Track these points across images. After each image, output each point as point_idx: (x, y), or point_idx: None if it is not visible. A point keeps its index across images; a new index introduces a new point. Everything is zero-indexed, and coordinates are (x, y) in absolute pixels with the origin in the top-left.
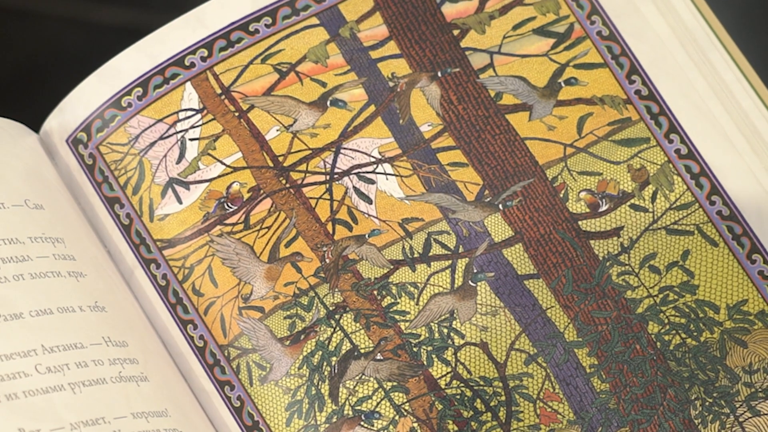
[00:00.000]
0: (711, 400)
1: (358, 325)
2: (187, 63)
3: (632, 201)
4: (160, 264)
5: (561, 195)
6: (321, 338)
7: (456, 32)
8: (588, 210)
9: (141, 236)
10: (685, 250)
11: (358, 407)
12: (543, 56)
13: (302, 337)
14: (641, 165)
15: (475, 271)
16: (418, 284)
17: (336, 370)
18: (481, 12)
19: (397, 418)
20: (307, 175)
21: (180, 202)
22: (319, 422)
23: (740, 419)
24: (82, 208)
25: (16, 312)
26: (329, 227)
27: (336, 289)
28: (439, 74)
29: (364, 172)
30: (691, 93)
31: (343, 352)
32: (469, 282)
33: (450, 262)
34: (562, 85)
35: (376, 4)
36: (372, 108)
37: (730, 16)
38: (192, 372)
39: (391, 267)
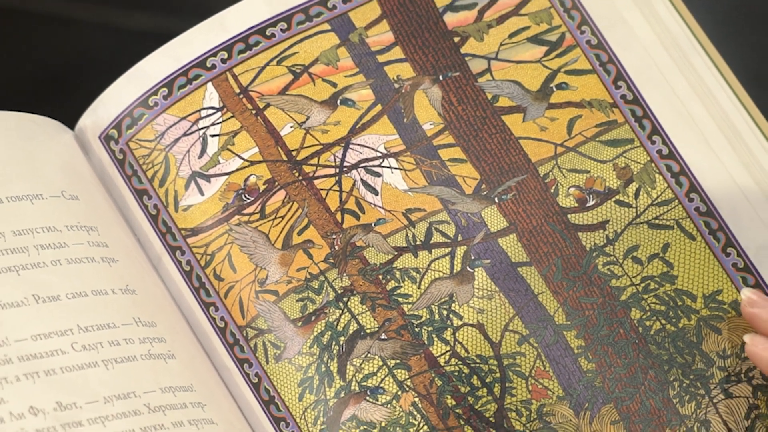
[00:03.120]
0: (688, 382)
1: (364, 307)
2: (208, 65)
3: (617, 197)
4: (184, 251)
5: (552, 190)
6: (330, 319)
7: (456, 39)
8: (576, 204)
9: (167, 225)
10: (665, 243)
11: (364, 383)
12: (536, 62)
13: (313, 318)
14: (626, 164)
15: (472, 258)
16: (420, 269)
17: (344, 349)
18: (480, 21)
19: (399, 393)
20: (319, 168)
21: (202, 193)
22: (328, 397)
23: (714, 400)
24: (113, 199)
25: (54, 294)
26: (338, 216)
27: (344, 274)
28: (441, 77)
29: (370, 166)
30: (672, 98)
31: (351, 332)
32: (467, 268)
33: (449, 249)
34: (554, 89)
35: (384, 12)
36: (378, 107)
37: (710, 22)
38: (214, 350)
39: (395, 253)
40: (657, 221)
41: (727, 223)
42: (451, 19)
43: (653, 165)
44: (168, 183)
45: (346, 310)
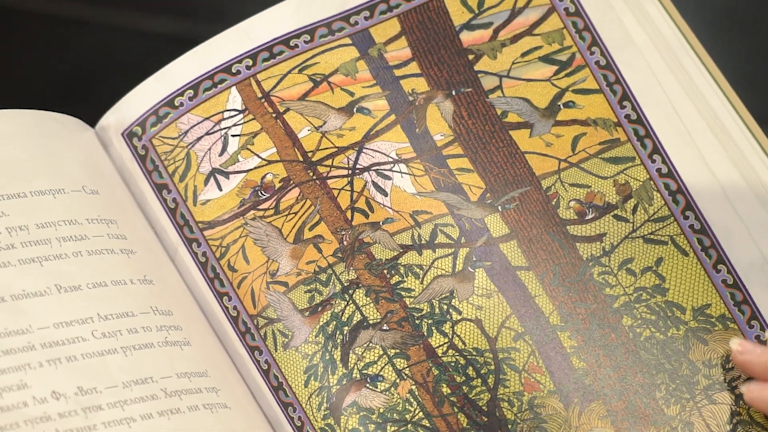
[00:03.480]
0: (674, 386)
1: (368, 299)
2: (233, 70)
3: (615, 212)
4: (200, 243)
5: (553, 203)
6: (336, 310)
7: (471, 57)
8: (576, 217)
9: (185, 218)
10: (659, 257)
11: (365, 371)
12: (546, 81)
13: (319, 309)
14: (626, 180)
15: (474, 259)
16: (423, 266)
17: (347, 338)
18: (494, 40)
19: (398, 381)
20: (332, 169)
21: (220, 189)
22: (331, 384)
23: (698, 405)
24: (132, 194)
25: (75, 284)
26: (348, 214)
27: (351, 268)
28: (454, 93)
29: (382, 169)
30: (674, 119)
31: (354, 322)
32: (469, 268)
33: (453, 250)
34: (561, 107)
35: (403, 29)
36: (393, 117)
37: (703, 29)
38: (228, 338)
39: (401, 250)
40: (652, 236)
41: (719, 241)
42: (466, 38)
43: (652, 183)
44: (188, 178)
45: (351, 301)
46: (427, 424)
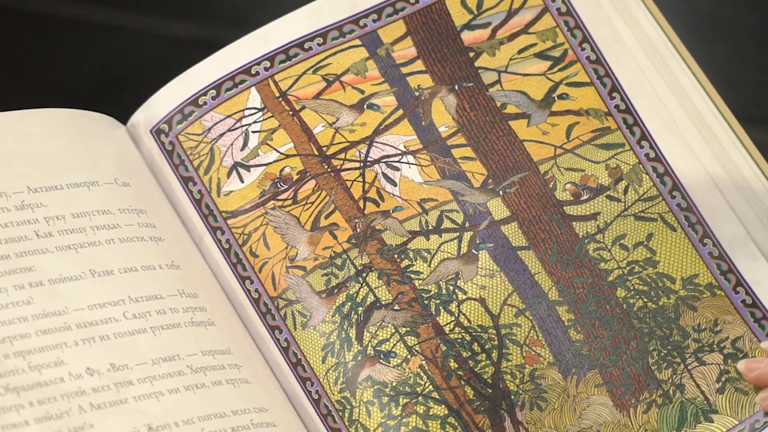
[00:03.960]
0: (666, 352)
1: (380, 281)
2: (253, 72)
3: (608, 192)
4: (224, 231)
5: (550, 186)
6: (350, 292)
7: (471, 54)
8: (572, 198)
9: (209, 208)
10: (649, 233)
11: (378, 348)
12: (541, 75)
13: (335, 291)
14: (617, 164)
15: (477, 242)
16: (431, 250)
17: (361, 318)
18: (493, 38)
19: (409, 356)
20: (345, 162)
21: (242, 181)
22: (347, 360)
23: (689, 367)
24: (161, 186)
25: (108, 269)
26: (361, 204)
27: (364, 253)
28: (456, 87)
29: (391, 161)
30: (660, 110)
31: (368, 303)
32: (473, 250)
33: (458, 234)
34: (556, 99)
35: (408, 30)
36: (400, 112)
37: (686, 33)
38: (249, 318)
39: (410, 236)
40: (642, 214)
41: (704, 217)
42: (467, 37)
43: (641, 166)
44: (212, 171)
45: (364, 284)
46: (437, 396)
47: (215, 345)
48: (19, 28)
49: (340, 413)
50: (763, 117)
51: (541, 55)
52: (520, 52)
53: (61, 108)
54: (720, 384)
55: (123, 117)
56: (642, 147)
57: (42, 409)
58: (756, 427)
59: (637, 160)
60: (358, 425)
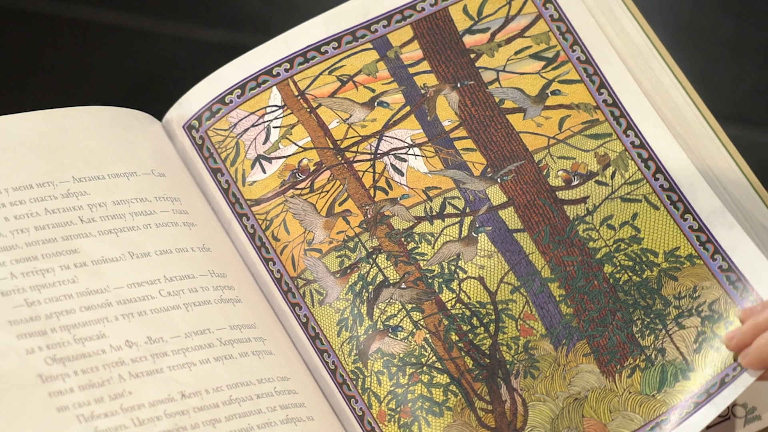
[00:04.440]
0: (648, 320)
1: (389, 262)
2: (274, 73)
3: (597, 178)
4: (249, 217)
5: (544, 173)
6: (362, 272)
7: (472, 55)
8: (563, 184)
9: (236, 197)
10: (634, 212)
11: (387, 323)
12: (536, 74)
13: (348, 271)
14: (605, 152)
15: (477, 225)
16: (435, 234)
17: (372, 296)
18: (492, 41)
19: (414, 330)
20: (357, 154)
21: (264, 172)
22: (359, 334)
23: (670, 332)
24: (192, 176)
25: (145, 251)
26: (371, 192)
27: (374, 237)
28: (459, 85)
29: (399, 153)
30: (643, 102)
31: (377, 282)
32: (472, 233)
33: (459, 218)
34: (549, 94)
35: (415, 34)
36: (407, 108)
37: (668, 38)
38: (272, 296)
39: (415, 221)
40: (628, 196)
41: (685, 195)
42: (468, 40)
43: (627, 153)
44: (237, 163)
45: (374, 264)
46: (439, 366)
47: (242, 320)
48: (66, 34)
49: (354, 382)
50: (737, 114)
51: (536, 56)
52: (516, 53)
53: (103, 106)
54: (697, 345)
55: (159, 114)
56: (628, 136)
57: (85, 378)
58: (726, 381)
59: (623, 148)
60: (370, 393)
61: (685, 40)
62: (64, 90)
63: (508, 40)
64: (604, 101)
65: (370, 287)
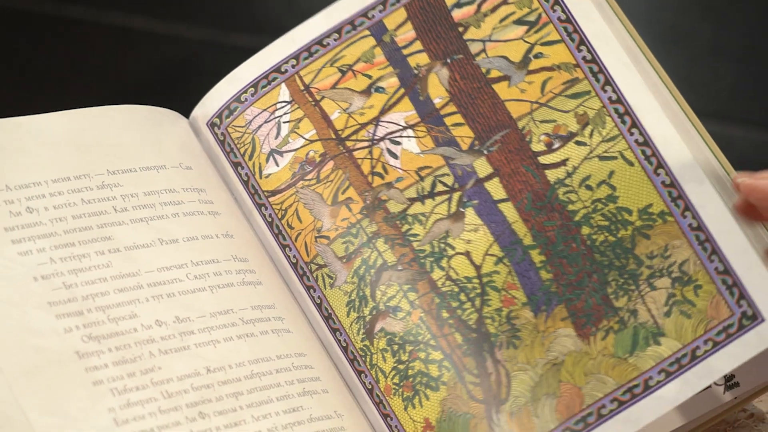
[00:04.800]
0: (622, 281)
1: (386, 246)
2: (282, 69)
3: (576, 138)
4: (267, 207)
5: (527, 139)
6: (364, 257)
7: (461, 29)
8: (545, 148)
9: (255, 188)
10: (611, 170)
11: (388, 304)
12: (519, 39)
13: (353, 256)
14: (584, 111)
15: (465, 200)
16: (426, 214)
17: (374, 279)
18: (479, 12)
19: (411, 310)
20: (357, 142)
21: (277, 165)
22: (365, 314)
23: (642, 293)
24: (216, 169)
25: (174, 238)
26: (370, 178)
27: (373, 222)
28: (448, 60)
29: (394, 137)
30: (621, 56)
31: (378, 265)
32: (460, 209)
33: (448, 195)
34: (532, 59)
35: (408, 15)
36: (402, 91)
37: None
38: (290, 279)
39: (408, 203)
40: (605, 154)
41: (658, 149)
42: (456, 14)
43: (604, 109)
44: (254, 157)
45: (374, 249)
46: (433, 344)
47: (263, 301)
48: (102, 38)
49: (363, 359)
50: (716, 111)
51: (519, 21)
52: (501, 21)
53: (135, 105)
54: (667, 307)
55: (186, 111)
56: (605, 91)
57: (118, 354)
58: (697, 355)
59: (601, 104)
60: (377, 369)
61: (668, 42)
62: (100, 90)
63: (494, 9)
64: (584, 58)
65: (372, 270)
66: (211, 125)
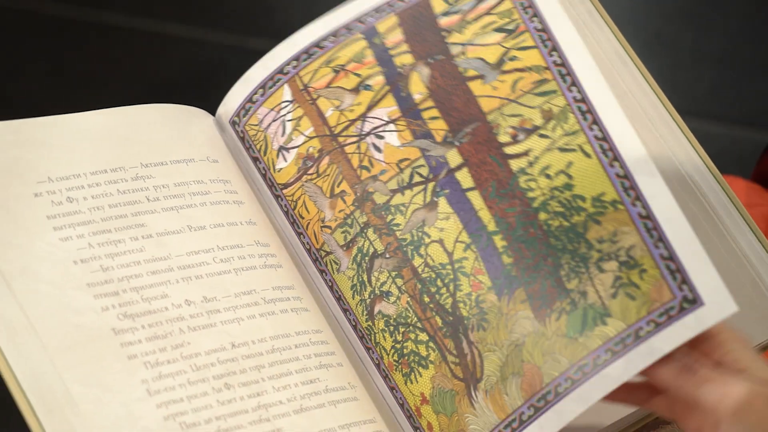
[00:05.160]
0: (574, 263)
1: (375, 235)
2: (285, 71)
3: (540, 131)
4: (282, 198)
5: (495, 131)
6: (359, 245)
7: (444, 34)
8: (511, 140)
9: (271, 181)
10: (569, 161)
11: (381, 289)
12: (497, 44)
13: (351, 245)
14: (549, 107)
15: (437, 189)
16: (406, 204)
17: (369, 265)
18: (463, 21)
19: (399, 295)
20: (347, 138)
21: (286, 161)
22: (366, 298)
23: (591, 276)
24: (239, 162)
25: (201, 225)
26: (359, 172)
27: (363, 213)
28: (430, 60)
29: (378, 132)
30: (588, 62)
31: (371, 253)
32: (434, 198)
33: (423, 186)
34: (506, 60)
35: (399, 21)
36: (387, 88)
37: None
38: (306, 263)
39: (391, 194)
40: (566, 146)
41: (615, 143)
42: (443, 21)
43: (569, 107)
44: (268, 153)
45: (366, 238)
46: (420, 326)
47: (282, 282)
48: (136, 43)
49: (368, 337)
50: (696, 110)
51: (499, 29)
52: (483, 28)
53: (166, 103)
54: (614, 290)
55: (212, 110)
56: (571, 91)
57: (151, 331)
58: (640, 335)
59: (566, 102)
60: (380, 347)
61: (653, 48)
62: (134, 90)
63: (477, 18)
64: (554, 62)
65: (366, 258)
66: (232, 123)
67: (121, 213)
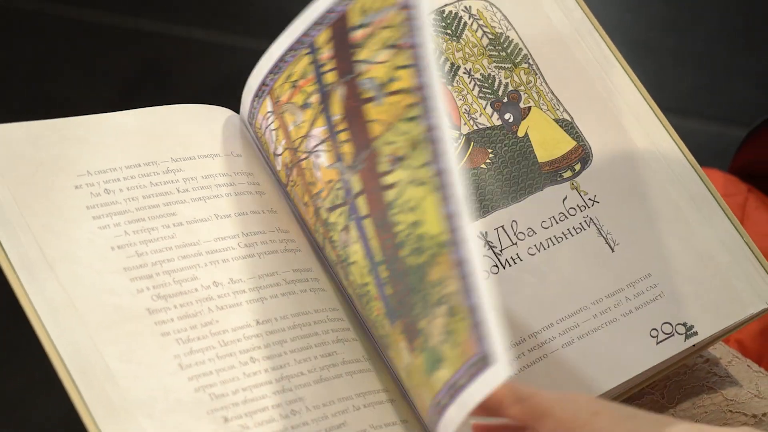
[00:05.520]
0: (422, 304)
1: (330, 247)
2: (267, 82)
3: (404, 162)
4: (287, 195)
5: (377, 159)
6: (326, 252)
7: (353, 50)
8: (388, 168)
9: (279, 177)
10: (420, 196)
11: (356, 291)
12: (387, 62)
13: (323, 250)
14: (413, 135)
15: (349, 214)
16: (337, 223)
17: (345, 270)
18: (370, 35)
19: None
20: (302, 154)
21: (278, 165)
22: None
23: (431, 319)
24: (260, 157)
25: (227, 213)
26: (310, 188)
27: (320, 226)
28: (344, 80)
29: (316, 150)
30: (439, 84)
31: (340, 261)
32: (348, 222)
33: (345, 208)
34: (390, 80)
35: (332, 35)
36: (321, 106)
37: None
38: (321, 248)
39: (328, 212)
40: (418, 180)
41: (450, 179)
42: (355, 35)
43: (427, 134)
44: (270, 154)
45: (331, 248)
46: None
47: (301, 265)
48: (169, 48)
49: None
50: (678, 107)
51: (391, 45)
52: (380, 44)
53: (194, 104)
54: (444, 336)
55: (237, 109)
56: (428, 118)
57: (182, 310)
58: (458, 385)
59: (423, 130)
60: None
61: (638, 51)
62: (166, 91)
63: (378, 31)
64: (423, 83)
65: (339, 264)
66: (248, 123)
67: (153, 203)
